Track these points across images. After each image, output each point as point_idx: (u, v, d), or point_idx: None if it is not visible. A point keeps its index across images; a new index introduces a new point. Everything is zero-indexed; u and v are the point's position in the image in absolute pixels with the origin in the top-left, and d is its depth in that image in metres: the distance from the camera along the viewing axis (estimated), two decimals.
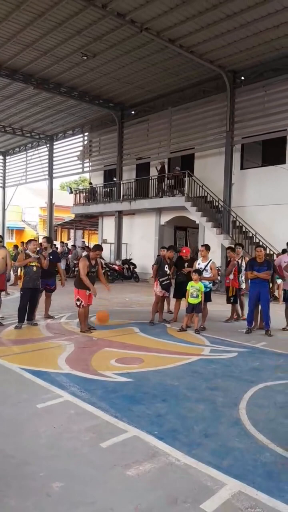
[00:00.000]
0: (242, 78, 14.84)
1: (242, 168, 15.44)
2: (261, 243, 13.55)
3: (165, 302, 9.09)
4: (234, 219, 14.93)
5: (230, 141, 14.99)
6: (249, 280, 7.93)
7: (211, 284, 8.14)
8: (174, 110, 17.46)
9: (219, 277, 13.46)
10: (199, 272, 7.70)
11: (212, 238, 14.79)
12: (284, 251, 8.51)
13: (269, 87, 14.13)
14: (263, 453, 3.21)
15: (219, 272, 13.59)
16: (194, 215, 15.55)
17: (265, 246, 13.34)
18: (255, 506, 2.55)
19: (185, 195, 15.73)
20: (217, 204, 15.56)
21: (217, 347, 6.51)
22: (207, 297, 8.35)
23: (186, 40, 12.80)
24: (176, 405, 4.11)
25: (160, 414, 3.88)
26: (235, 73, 14.83)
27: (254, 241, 14.09)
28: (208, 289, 7.98)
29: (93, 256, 7.23)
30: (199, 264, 8.06)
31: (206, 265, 7.97)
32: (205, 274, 7.86)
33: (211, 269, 7.96)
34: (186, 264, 8.34)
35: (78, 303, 7.16)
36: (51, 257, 8.16)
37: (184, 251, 8.72)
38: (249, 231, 14.47)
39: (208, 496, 2.64)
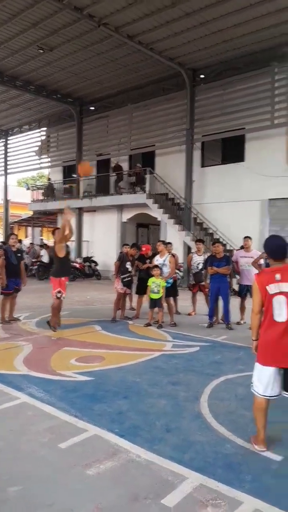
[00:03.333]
0: (202, 76, 15.01)
1: (202, 165, 15.64)
2: (221, 240, 13.83)
3: (128, 299, 9.05)
4: (195, 216, 15.11)
5: (190, 139, 15.14)
6: (210, 276, 8.02)
7: (171, 280, 8.17)
8: (134, 107, 17.41)
9: (180, 272, 13.63)
10: (158, 267, 7.73)
11: (174, 235, 14.89)
12: (241, 247, 8.68)
13: (228, 85, 14.37)
14: (224, 445, 3.23)
15: (181, 268, 13.77)
16: (156, 212, 15.60)
17: (224, 243, 13.63)
18: (216, 498, 2.55)
19: (147, 192, 15.74)
20: (178, 201, 15.69)
21: (179, 342, 6.54)
22: (172, 292, 8.40)
23: (146, 37, 12.77)
24: (137, 402, 4.07)
25: (121, 411, 3.82)
26: (195, 71, 14.97)
27: (215, 237, 14.32)
28: (169, 284, 8.01)
29: None
30: (157, 260, 8.07)
31: (164, 260, 7.99)
32: (165, 269, 7.87)
33: (169, 263, 7.99)
34: (148, 261, 8.36)
35: (59, 295, 6.96)
36: (19, 254, 7.91)
37: (143, 248, 8.76)
38: (210, 228, 14.69)
39: (170, 490, 2.62)
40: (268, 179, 13.37)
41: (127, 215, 17.85)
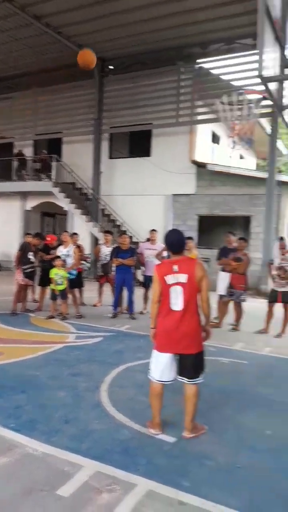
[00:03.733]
0: (111, 67, 14.96)
1: (110, 157, 15.66)
2: (128, 232, 14.04)
3: (30, 291, 8.75)
4: (103, 207, 15.11)
5: (98, 129, 15.04)
6: (115, 267, 8.11)
7: (75, 271, 8.08)
8: (40, 90, 16.71)
9: (87, 263, 13.56)
10: (61, 258, 7.60)
11: (81, 226, 14.72)
12: (148, 240, 8.92)
13: (137, 79, 14.53)
14: (121, 431, 3.31)
15: (88, 259, 13.69)
16: (62, 202, 15.24)
17: (131, 235, 13.87)
18: (111, 483, 2.61)
19: (53, 180, 15.31)
20: (86, 191, 15.53)
21: (82, 333, 6.51)
22: (77, 283, 8.31)
23: (54, 19, 12.33)
24: (36, 395, 3.97)
25: (19, 405, 3.70)
26: (104, 61, 14.86)
27: (122, 229, 14.49)
28: (73, 276, 7.92)
29: None
30: (60, 251, 7.93)
31: (69, 251, 7.88)
32: (69, 260, 7.76)
33: (73, 253, 7.90)
34: (52, 251, 8.16)
35: None
36: None
37: (48, 238, 8.53)
38: (117, 219, 14.82)
39: (66, 481, 2.62)
40: (172, 175, 13.89)
41: (31, 203, 17.14)
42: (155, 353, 3.30)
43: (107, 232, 9.44)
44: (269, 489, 2.64)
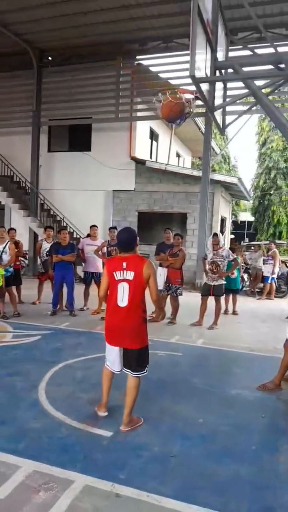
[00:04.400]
0: (50, 58, 14.59)
1: (49, 150, 15.30)
2: (68, 227, 13.88)
3: None
4: (42, 202, 14.78)
5: (36, 121, 14.63)
6: (54, 264, 8.01)
7: (11, 268, 7.87)
8: None
9: (25, 260, 13.25)
10: None
11: (19, 221, 14.30)
12: (88, 235, 8.91)
13: (76, 72, 14.29)
14: (59, 429, 3.34)
15: (27, 255, 13.37)
16: None
17: (70, 230, 13.74)
18: (48, 482, 2.65)
19: None
20: (24, 185, 15.09)
21: (20, 332, 6.39)
22: (15, 281, 8.10)
23: None
24: None
25: None
26: (43, 52, 14.46)
27: (62, 225, 14.28)
28: (9, 273, 7.70)
29: None
30: None
31: (4, 247, 7.64)
32: (4, 257, 7.54)
33: (9, 250, 7.68)
34: None
35: None
36: None
37: None
38: (57, 214, 14.58)
39: (2, 482, 2.61)
40: (112, 170, 13.90)
41: None
42: (107, 345, 3.51)
43: (48, 227, 9.27)
44: (200, 475, 2.81)
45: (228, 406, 3.99)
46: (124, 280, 3.28)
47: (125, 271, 3.28)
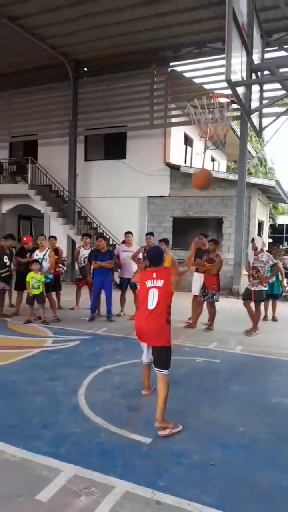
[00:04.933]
0: (85, 69, 14.97)
1: (86, 159, 15.64)
2: (104, 234, 14.08)
3: (7, 295, 8.68)
4: (79, 210, 15.09)
5: (73, 131, 15.01)
6: (93, 270, 8.16)
7: (51, 275, 8.07)
8: (14, 92, 16.56)
9: (64, 267, 13.52)
10: (38, 262, 7.59)
11: (58, 228, 14.67)
12: (123, 242, 9.00)
13: (110, 82, 14.58)
14: (99, 434, 3.37)
15: (65, 262, 13.65)
16: (39, 204, 15.15)
17: (106, 237, 13.92)
18: (89, 486, 2.67)
19: (29, 182, 15.19)
20: (62, 194, 15.48)
21: (59, 337, 6.53)
22: (55, 286, 8.32)
23: (28, 21, 12.23)
24: (13, 401, 3.99)
25: None
26: (78, 63, 14.86)
27: (99, 231, 14.51)
28: (49, 280, 7.90)
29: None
30: (37, 254, 7.91)
31: (44, 255, 7.86)
32: (45, 264, 7.75)
33: (49, 257, 7.89)
34: (28, 254, 8.12)
35: None
36: None
37: (25, 239, 8.49)
38: (94, 222, 14.83)
39: (44, 486, 2.66)
40: (147, 177, 14.01)
41: (7, 206, 16.94)
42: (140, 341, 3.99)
43: (85, 235, 9.43)
44: (241, 484, 2.76)
45: (268, 415, 3.89)
46: (154, 287, 3.72)
47: (155, 280, 3.74)
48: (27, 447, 3.11)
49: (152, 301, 3.67)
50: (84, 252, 8.86)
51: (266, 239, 16.33)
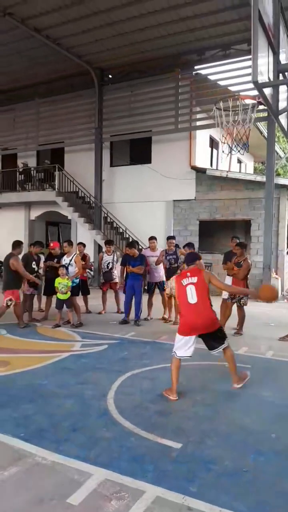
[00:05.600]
0: (110, 76, 15.15)
1: (111, 165, 15.79)
2: (130, 239, 14.14)
3: (36, 300, 8.84)
4: (106, 215, 15.22)
5: (99, 138, 15.20)
6: (126, 274, 8.31)
7: (77, 280, 8.15)
8: (41, 101, 16.94)
9: (91, 271, 13.65)
10: (65, 267, 7.71)
11: (85, 234, 14.85)
12: (148, 247, 9.03)
13: (134, 88, 14.69)
14: (129, 438, 3.36)
15: (93, 267, 13.79)
16: (66, 210, 15.40)
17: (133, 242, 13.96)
18: (119, 491, 2.66)
19: (56, 189, 15.47)
20: (88, 199, 15.66)
21: (88, 341, 6.58)
22: (80, 291, 8.44)
23: (53, 31, 12.51)
24: (44, 404, 4.04)
25: (27, 415, 3.77)
26: (103, 71, 15.06)
27: (125, 236, 14.59)
28: (75, 284, 7.97)
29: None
30: (64, 260, 8.03)
31: (71, 260, 7.97)
32: (71, 269, 7.84)
33: (75, 262, 7.99)
34: (55, 260, 8.26)
35: (10, 302, 7.25)
36: None
37: (51, 244, 8.67)
38: (120, 227, 14.92)
39: (75, 489, 2.67)
40: (172, 181, 13.99)
41: (35, 213, 17.32)
42: (178, 337, 4.34)
43: (108, 242, 9.46)
44: (275, 493, 2.68)
45: None
46: (190, 283, 4.33)
47: (189, 278, 4.38)
48: (58, 450, 3.14)
49: (191, 295, 4.27)
50: (107, 258, 8.99)
51: None
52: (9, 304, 7.21)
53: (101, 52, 13.65)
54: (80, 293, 8.51)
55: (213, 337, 4.32)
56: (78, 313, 8.02)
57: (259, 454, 3.15)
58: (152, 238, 8.84)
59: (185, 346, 4.28)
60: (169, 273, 8.11)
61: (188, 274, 4.40)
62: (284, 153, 20.65)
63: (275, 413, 3.96)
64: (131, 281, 8.09)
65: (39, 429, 3.49)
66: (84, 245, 9.33)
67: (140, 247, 13.22)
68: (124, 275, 8.39)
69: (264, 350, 6.31)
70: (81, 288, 8.54)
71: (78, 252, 8.57)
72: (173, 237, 8.57)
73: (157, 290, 8.68)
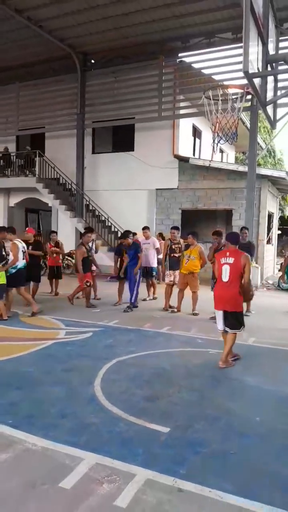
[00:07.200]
0: (92, 61, 14.88)
1: (93, 152, 15.60)
2: (113, 227, 14.10)
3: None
4: (87, 203, 15.09)
5: (81, 124, 14.97)
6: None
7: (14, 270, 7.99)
8: (22, 85, 16.51)
9: (72, 260, 13.53)
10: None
11: (66, 222, 14.71)
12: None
13: (118, 73, 14.48)
14: (117, 424, 3.40)
15: (73, 254, 13.68)
16: (47, 197, 15.18)
17: (115, 230, 13.94)
18: (111, 474, 2.71)
19: (36, 176, 15.21)
20: (70, 187, 15.48)
21: (72, 329, 6.57)
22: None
23: (35, 13, 12.15)
24: (31, 391, 4.04)
25: (14, 402, 3.77)
26: (86, 55, 14.77)
27: (107, 224, 14.52)
28: (10, 274, 7.72)
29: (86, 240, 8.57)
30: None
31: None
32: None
33: (11, 251, 7.90)
34: (30, 247, 8.14)
35: (88, 284, 8.29)
36: None
37: (26, 230, 8.93)
38: (102, 215, 14.83)
39: (67, 474, 2.70)
40: (155, 169, 13.96)
41: (14, 200, 16.99)
42: (215, 311, 5.04)
43: (86, 231, 9.36)
44: (262, 473, 2.78)
45: (285, 405, 3.91)
46: (226, 263, 4.82)
47: (227, 258, 4.84)
48: (48, 436, 3.15)
49: (226, 274, 4.79)
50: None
51: (275, 230, 16.24)
52: (87, 284, 8.27)
53: (84, 36, 13.36)
54: (39, 279, 8.71)
55: (230, 317, 4.85)
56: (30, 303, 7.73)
57: (244, 437, 3.25)
58: (145, 228, 9.57)
59: (219, 318, 4.92)
60: (171, 262, 8.27)
61: (228, 253, 4.86)
62: (265, 143, 20.83)
63: (258, 398, 4.08)
64: (130, 268, 8.44)
65: (27, 416, 3.49)
66: (55, 233, 10.20)
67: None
68: (124, 266, 8.71)
69: (246, 337, 6.43)
70: (55, 272, 9.78)
71: (17, 241, 8.03)
72: (176, 228, 8.62)
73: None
